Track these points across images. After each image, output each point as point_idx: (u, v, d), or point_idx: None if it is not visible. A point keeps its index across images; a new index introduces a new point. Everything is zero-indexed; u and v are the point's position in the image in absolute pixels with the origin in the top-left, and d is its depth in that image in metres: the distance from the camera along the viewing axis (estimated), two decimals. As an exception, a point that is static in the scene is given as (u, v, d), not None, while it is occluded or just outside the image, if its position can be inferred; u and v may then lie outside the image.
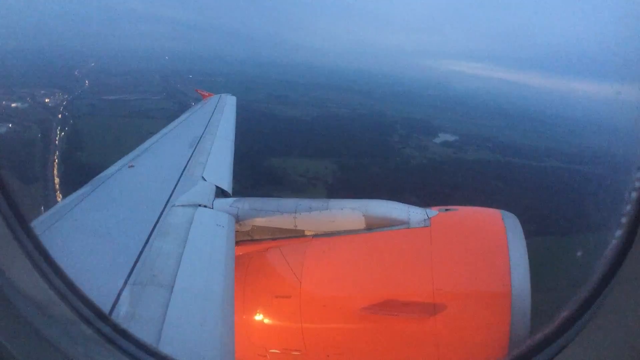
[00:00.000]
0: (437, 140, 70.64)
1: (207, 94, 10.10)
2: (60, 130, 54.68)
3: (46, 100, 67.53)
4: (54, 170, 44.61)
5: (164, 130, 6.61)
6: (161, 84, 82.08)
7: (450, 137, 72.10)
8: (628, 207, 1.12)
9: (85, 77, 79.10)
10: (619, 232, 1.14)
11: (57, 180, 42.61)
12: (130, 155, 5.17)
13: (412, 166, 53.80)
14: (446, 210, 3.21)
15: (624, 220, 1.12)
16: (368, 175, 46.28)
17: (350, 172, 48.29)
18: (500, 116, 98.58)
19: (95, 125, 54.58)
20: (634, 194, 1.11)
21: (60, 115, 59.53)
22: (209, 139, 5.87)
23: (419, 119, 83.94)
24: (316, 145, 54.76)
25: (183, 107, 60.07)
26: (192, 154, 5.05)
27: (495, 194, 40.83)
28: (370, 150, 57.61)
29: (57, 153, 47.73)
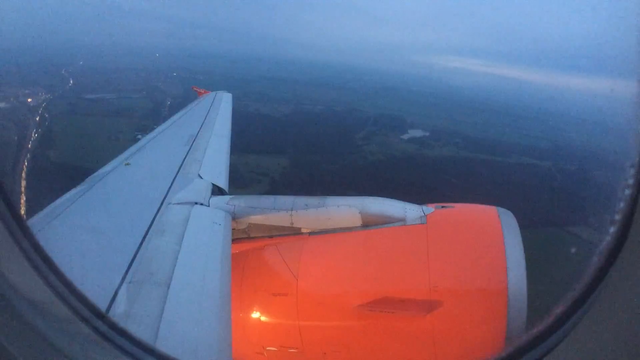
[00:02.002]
0: (405, 136, 70.87)
1: (203, 91, 10.09)
2: (35, 132, 55.79)
3: (29, 100, 68.10)
4: (22, 172, 45.50)
5: (161, 128, 6.62)
6: (143, 83, 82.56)
7: (419, 134, 72.21)
8: (621, 205, 1.13)
9: (71, 76, 79.35)
10: (611, 230, 1.15)
11: (24, 183, 43.78)
12: (127, 153, 5.18)
13: (367, 163, 54.58)
14: (442, 207, 3.25)
15: (617, 217, 1.13)
16: (317, 172, 47.10)
17: (299, 169, 48.86)
18: (484, 112, 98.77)
19: (68, 125, 53.76)
20: (627, 192, 1.12)
21: (38, 117, 60.34)
22: (205, 137, 5.86)
23: (393, 115, 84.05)
24: (276, 142, 55.03)
25: (159, 106, 61.27)
26: (188, 151, 5.06)
27: (442, 189, 41.49)
28: (329, 147, 58.20)
29: (28, 155, 48.83)
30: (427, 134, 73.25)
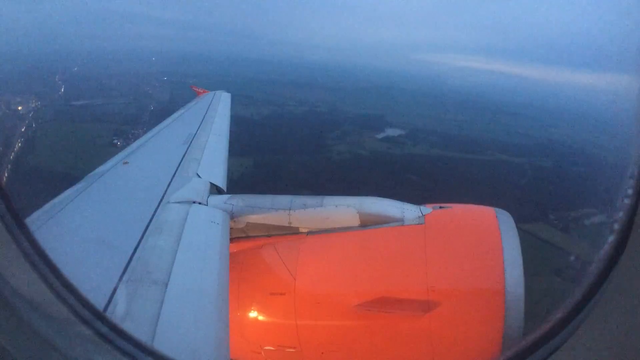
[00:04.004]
0: (380, 135, 70.64)
1: (201, 91, 10.06)
2: (19, 141, 56.64)
3: (19, 107, 69.01)
4: (1, 183, 46.26)
5: (159, 127, 6.61)
6: (132, 87, 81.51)
7: (395, 132, 72.16)
8: (620, 214, 1.17)
9: (64, 83, 75.31)
10: (610, 238, 1.19)
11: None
12: (125, 151, 5.18)
13: (332, 162, 54.61)
14: (440, 207, 3.26)
15: (616, 226, 1.17)
16: (277, 171, 47.22)
17: (260, 169, 48.65)
18: (474, 110, 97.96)
19: (51, 132, 52.93)
20: (626, 201, 1.16)
21: (24, 127, 61.00)
22: (204, 136, 5.88)
23: (376, 115, 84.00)
24: (245, 144, 53.15)
25: (141, 111, 62.28)
26: (187, 150, 5.07)
27: (396, 185, 41.83)
28: (297, 147, 58.20)
29: (9, 166, 49.56)
30: (404, 132, 73.04)
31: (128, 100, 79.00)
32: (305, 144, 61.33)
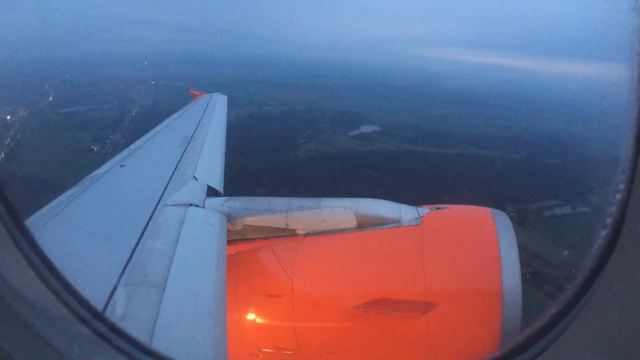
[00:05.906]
0: (354, 132, 69.31)
1: (198, 93, 10.09)
2: (3, 151, 57.46)
3: (8, 117, 69.52)
4: (1, 185, 46.94)
5: (156, 130, 6.61)
6: (118, 93, 77.62)
7: (370, 129, 70.79)
8: (612, 209, 1.16)
9: (53, 90, 75.35)
10: (603, 232, 1.19)
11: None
12: (122, 154, 5.18)
13: (297, 160, 54.11)
14: (437, 208, 3.28)
15: (608, 221, 1.17)
16: (239, 172, 45.57)
17: (225, 170, 48.22)
18: (460, 104, 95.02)
19: (35, 141, 53.11)
20: (618, 196, 1.15)
21: (9, 139, 61.60)
22: (200, 138, 5.89)
23: (354, 112, 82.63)
24: None
25: (122, 117, 62.98)
26: (184, 153, 5.07)
27: (353, 181, 41.09)
28: (266, 147, 57.42)
29: None
30: (379, 129, 71.81)
31: (110, 106, 76.73)
32: (274, 143, 60.64)
